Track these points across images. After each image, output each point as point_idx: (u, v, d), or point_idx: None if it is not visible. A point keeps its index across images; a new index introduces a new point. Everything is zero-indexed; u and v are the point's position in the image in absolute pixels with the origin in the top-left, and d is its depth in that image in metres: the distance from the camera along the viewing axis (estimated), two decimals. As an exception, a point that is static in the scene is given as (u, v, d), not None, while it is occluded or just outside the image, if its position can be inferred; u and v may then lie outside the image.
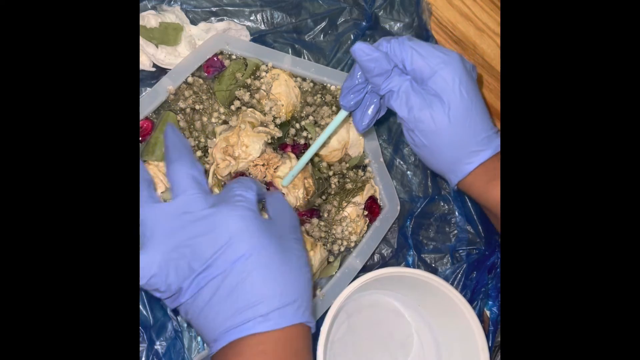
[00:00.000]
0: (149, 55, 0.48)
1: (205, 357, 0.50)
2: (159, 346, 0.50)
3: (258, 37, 0.53)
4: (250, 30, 0.52)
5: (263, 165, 0.48)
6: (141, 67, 0.49)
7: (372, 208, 0.54)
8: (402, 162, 0.59)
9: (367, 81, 0.43)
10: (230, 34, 0.51)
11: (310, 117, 0.52)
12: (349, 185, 0.53)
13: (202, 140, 0.48)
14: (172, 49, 0.49)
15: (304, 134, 0.51)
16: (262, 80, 0.50)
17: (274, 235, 0.38)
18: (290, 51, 0.54)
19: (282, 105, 0.50)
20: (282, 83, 0.50)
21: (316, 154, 0.50)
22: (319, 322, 0.46)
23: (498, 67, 0.60)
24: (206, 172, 0.48)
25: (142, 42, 0.48)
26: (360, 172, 0.54)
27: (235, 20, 0.52)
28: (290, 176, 0.48)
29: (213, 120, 0.49)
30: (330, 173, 0.53)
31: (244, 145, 0.47)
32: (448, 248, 0.60)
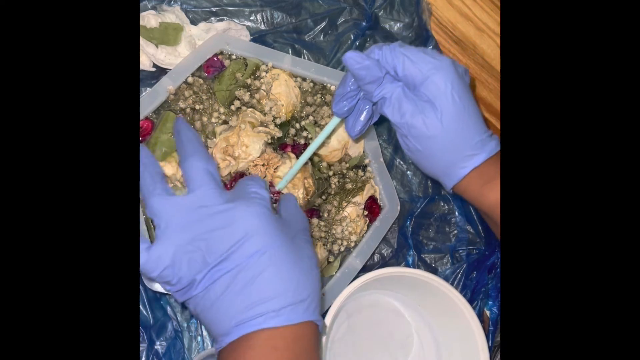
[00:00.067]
0: (149, 55, 0.48)
1: (205, 357, 0.49)
2: (159, 346, 0.50)
3: (258, 37, 0.53)
4: (250, 30, 0.52)
5: (263, 165, 0.48)
6: (141, 67, 0.49)
7: (372, 208, 0.54)
8: (402, 162, 0.59)
9: (360, 88, 0.43)
10: (230, 34, 0.51)
11: (310, 117, 0.52)
12: (349, 185, 0.53)
13: (202, 140, 0.48)
14: (172, 49, 0.49)
15: (304, 134, 0.51)
16: (262, 80, 0.50)
17: (288, 234, 0.38)
18: (290, 51, 0.54)
19: (282, 105, 0.50)
20: (282, 83, 0.50)
21: (316, 154, 0.50)
22: (319, 322, 0.46)
23: (498, 67, 0.60)
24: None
25: (142, 42, 0.48)
26: (360, 172, 0.54)
27: (235, 20, 0.52)
28: (284, 181, 0.48)
29: (213, 120, 0.49)
30: (330, 173, 0.53)
31: (244, 145, 0.47)
32: (448, 248, 0.60)
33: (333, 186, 0.53)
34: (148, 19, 0.48)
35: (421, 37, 0.57)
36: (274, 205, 0.47)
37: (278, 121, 0.50)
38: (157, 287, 0.46)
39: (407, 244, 0.58)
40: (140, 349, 0.49)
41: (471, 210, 0.60)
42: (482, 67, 0.61)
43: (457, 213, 0.60)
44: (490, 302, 0.59)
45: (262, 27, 0.53)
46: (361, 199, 0.53)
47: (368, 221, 0.54)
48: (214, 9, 0.52)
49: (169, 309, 0.51)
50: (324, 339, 0.46)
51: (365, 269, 0.55)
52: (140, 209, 0.45)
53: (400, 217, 0.57)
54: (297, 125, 0.51)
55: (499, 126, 0.62)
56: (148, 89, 0.49)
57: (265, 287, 0.36)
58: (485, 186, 0.44)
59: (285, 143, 0.51)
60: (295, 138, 0.51)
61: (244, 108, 0.49)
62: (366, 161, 0.55)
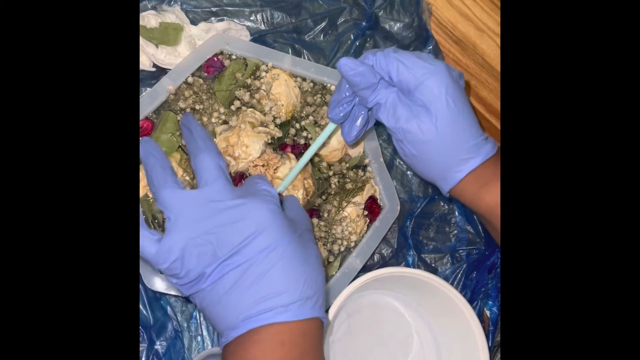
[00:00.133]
0: (149, 55, 0.48)
1: (205, 357, 0.50)
2: (159, 346, 0.50)
3: (258, 37, 0.53)
4: (250, 30, 0.52)
5: (263, 166, 0.48)
6: (141, 67, 0.49)
7: (372, 208, 0.54)
8: (402, 162, 0.59)
9: (355, 94, 0.43)
10: (230, 34, 0.51)
11: (310, 117, 0.52)
12: (349, 185, 0.53)
13: (202, 140, 0.48)
14: (172, 49, 0.49)
15: (304, 134, 0.51)
16: (262, 80, 0.50)
17: (296, 232, 0.39)
18: (290, 51, 0.54)
19: (282, 105, 0.50)
20: (282, 83, 0.50)
21: (316, 154, 0.50)
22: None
23: (498, 67, 0.60)
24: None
25: (142, 42, 0.48)
26: (360, 172, 0.54)
27: (235, 20, 0.52)
28: (282, 186, 0.48)
29: (213, 120, 0.49)
30: (330, 173, 0.53)
31: (244, 145, 0.47)
32: (448, 248, 0.60)
33: (333, 186, 0.53)
34: (148, 19, 0.48)
35: (421, 37, 0.57)
36: None
37: (278, 121, 0.50)
38: (158, 287, 0.46)
39: (407, 244, 0.58)
40: (140, 349, 0.49)
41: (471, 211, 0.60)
42: (482, 67, 0.61)
43: (457, 213, 0.60)
44: (490, 302, 0.59)
45: (262, 27, 0.53)
46: (361, 199, 0.53)
47: (368, 221, 0.54)
48: (214, 9, 0.52)
49: (169, 309, 0.51)
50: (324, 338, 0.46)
51: (365, 269, 0.55)
52: (141, 209, 0.45)
53: (400, 217, 0.57)
54: (297, 125, 0.51)
55: (499, 126, 0.62)
56: (148, 89, 0.49)
57: (275, 282, 0.36)
58: (481, 189, 0.44)
59: (285, 143, 0.51)
60: (295, 138, 0.51)
61: (244, 108, 0.49)
62: (366, 161, 0.55)
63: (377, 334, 0.56)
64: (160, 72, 0.50)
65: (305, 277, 0.37)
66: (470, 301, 0.57)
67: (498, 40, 0.60)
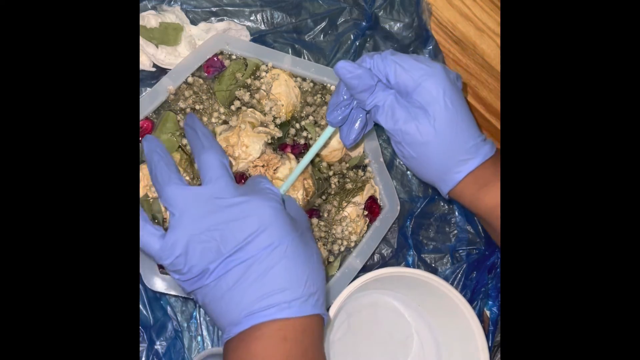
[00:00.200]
0: (149, 55, 0.48)
1: (205, 357, 0.50)
2: (159, 346, 0.50)
3: (258, 37, 0.53)
4: (250, 30, 0.52)
5: (263, 166, 0.48)
6: (141, 67, 0.49)
7: (372, 208, 0.54)
8: (402, 162, 0.59)
9: (353, 97, 0.43)
10: (230, 34, 0.51)
11: (310, 117, 0.52)
12: (349, 185, 0.53)
13: (202, 140, 0.48)
14: (172, 49, 0.49)
15: (304, 134, 0.51)
16: (262, 80, 0.50)
17: (298, 230, 0.39)
18: (290, 51, 0.54)
19: (282, 105, 0.50)
20: (282, 83, 0.50)
21: (316, 155, 0.50)
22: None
23: (498, 67, 0.60)
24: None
25: (142, 42, 0.48)
26: (360, 172, 0.54)
27: (235, 20, 0.52)
28: (282, 189, 0.48)
29: (213, 120, 0.49)
30: (330, 173, 0.53)
31: (244, 145, 0.47)
32: (448, 248, 0.60)
33: (333, 186, 0.53)
34: (148, 19, 0.48)
35: (421, 37, 0.57)
36: None
37: (278, 121, 0.50)
38: (158, 287, 0.46)
39: (407, 244, 0.58)
40: (140, 349, 0.49)
41: (471, 210, 0.60)
42: (482, 67, 0.61)
43: (457, 213, 0.60)
44: (490, 302, 0.59)
45: (262, 27, 0.53)
46: (361, 199, 0.53)
47: (368, 221, 0.54)
48: (214, 9, 0.52)
49: (169, 309, 0.51)
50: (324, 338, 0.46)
51: (365, 269, 0.55)
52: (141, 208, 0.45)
53: (400, 217, 0.57)
54: (297, 125, 0.51)
55: (499, 126, 0.62)
56: (148, 89, 0.49)
57: (278, 279, 0.37)
58: (480, 190, 0.44)
59: (285, 143, 0.51)
60: (295, 138, 0.51)
61: (244, 108, 0.49)
62: (366, 161, 0.55)
63: (377, 334, 0.56)
64: (160, 72, 0.50)
65: (308, 274, 0.38)
66: (470, 301, 0.57)
67: (498, 40, 0.60)
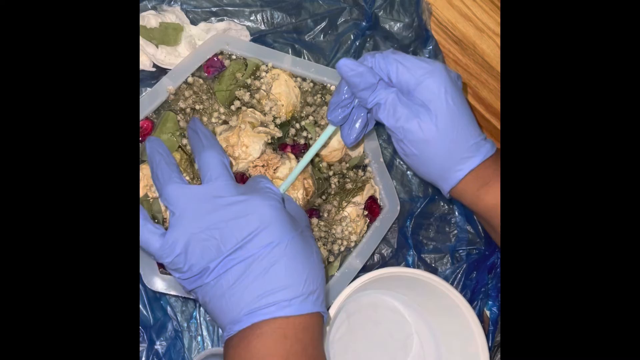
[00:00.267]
0: (149, 55, 0.48)
1: (205, 357, 0.50)
2: (159, 346, 0.50)
3: (258, 37, 0.53)
4: (250, 30, 0.52)
5: (263, 166, 0.48)
6: (141, 67, 0.49)
7: (372, 208, 0.54)
8: (402, 162, 0.59)
9: (354, 96, 0.43)
10: (230, 34, 0.51)
11: (310, 117, 0.52)
12: (349, 185, 0.53)
13: (202, 140, 0.48)
14: (172, 49, 0.49)
15: (304, 134, 0.51)
16: (262, 80, 0.50)
17: (298, 229, 0.40)
18: (290, 51, 0.54)
19: (282, 105, 0.50)
20: (282, 83, 0.50)
21: (316, 154, 0.50)
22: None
23: (498, 67, 0.60)
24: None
25: (142, 42, 0.48)
26: (360, 172, 0.54)
27: (236, 20, 0.52)
28: (282, 188, 0.48)
29: (213, 120, 0.49)
30: (330, 173, 0.53)
31: (244, 145, 0.47)
32: (448, 248, 0.60)
33: (333, 186, 0.53)
34: (148, 19, 0.48)
35: (421, 37, 0.57)
36: None
37: (278, 121, 0.50)
38: (158, 287, 0.46)
39: (407, 244, 0.58)
40: (140, 349, 0.49)
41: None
42: (482, 67, 0.61)
43: (457, 213, 0.60)
44: (490, 302, 0.59)
45: (262, 27, 0.53)
46: (361, 199, 0.53)
47: (368, 221, 0.54)
48: (214, 9, 0.52)
49: (169, 309, 0.51)
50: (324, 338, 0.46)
51: (365, 269, 0.55)
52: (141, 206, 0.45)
53: (400, 217, 0.57)
54: (297, 125, 0.51)
55: (499, 126, 0.62)
56: (148, 89, 0.49)
57: (278, 277, 0.37)
58: (481, 189, 0.44)
59: (285, 143, 0.51)
60: (295, 138, 0.51)
61: (244, 108, 0.49)
62: (366, 161, 0.55)
63: (377, 334, 0.56)
64: (160, 72, 0.50)
65: (308, 273, 0.38)
66: (470, 301, 0.57)
67: (498, 40, 0.60)
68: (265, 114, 0.50)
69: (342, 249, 0.52)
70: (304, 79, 0.52)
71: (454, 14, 0.59)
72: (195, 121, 0.45)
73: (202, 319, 0.52)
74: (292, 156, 0.50)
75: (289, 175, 0.47)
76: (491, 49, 0.60)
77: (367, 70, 0.41)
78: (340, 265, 0.52)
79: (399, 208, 0.55)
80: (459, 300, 0.50)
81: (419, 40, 0.57)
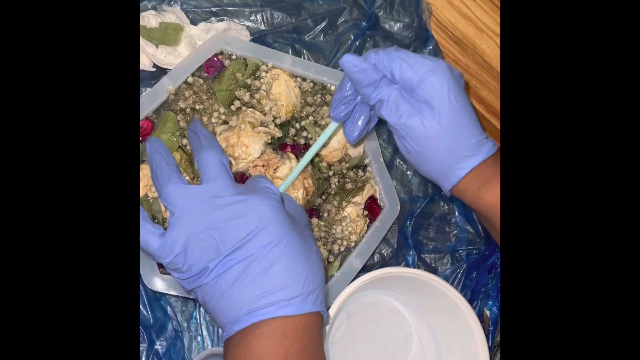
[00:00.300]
0: (149, 55, 0.48)
1: (205, 357, 0.50)
2: (159, 346, 0.50)
3: (258, 37, 0.53)
4: (250, 30, 0.52)
5: (263, 166, 0.48)
6: (141, 67, 0.49)
7: (372, 208, 0.54)
8: (402, 162, 0.59)
9: (357, 92, 0.43)
10: (231, 34, 0.51)
11: (310, 117, 0.52)
12: (349, 185, 0.53)
13: (202, 140, 0.48)
14: (172, 49, 0.49)
15: (304, 134, 0.51)
16: (262, 80, 0.50)
17: (297, 228, 0.40)
18: (290, 51, 0.54)
19: (282, 105, 0.50)
20: (282, 83, 0.50)
21: (316, 154, 0.50)
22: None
23: (498, 67, 0.60)
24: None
25: (142, 42, 0.48)
26: (360, 172, 0.54)
27: (236, 20, 0.52)
28: (283, 186, 0.48)
29: (213, 120, 0.49)
30: (330, 173, 0.53)
31: (244, 145, 0.47)
32: (448, 248, 0.60)
33: (333, 186, 0.53)
34: (148, 19, 0.48)
35: (421, 37, 0.57)
36: None
37: (278, 121, 0.50)
38: (158, 287, 0.46)
39: (407, 244, 0.58)
40: (140, 349, 0.49)
41: (471, 210, 0.60)
42: (482, 67, 0.61)
43: (457, 213, 0.60)
44: (490, 302, 0.59)
45: (262, 27, 0.53)
46: (361, 199, 0.53)
47: (368, 221, 0.54)
48: (214, 9, 0.52)
49: (169, 309, 0.51)
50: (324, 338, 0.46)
51: (365, 269, 0.55)
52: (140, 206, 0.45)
53: (400, 217, 0.57)
54: (297, 125, 0.51)
55: (499, 126, 0.62)
56: (148, 89, 0.49)
57: (277, 277, 0.37)
58: (482, 188, 0.44)
59: (285, 143, 0.51)
60: (295, 138, 0.51)
61: (244, 108, 0.49)
62: (366, 161, 0.55)
63: (377, 334, 0.56)
64: (160, 72, 0.50)
65: (307, 272, 0.38)
66: (470, 301, 0.57)
67: (498, 40, 0.60)
68: (265, 114, 0.50)
69: (342, 249, 0.52)
70: (304, 79, 0.52)
71: (454, 14, 0.59)
72: (196, 122, 0.45)
73: (202, 319, 0.52)
74: (292, 156, 0.50)
75: (289, 175, 0.47)
76: (491, 49, 0.60)
77: (371, 67, 0.41)
78: (340, 265, 0.52)
79: (399, 208, 0.55)
80: (459, 300, 0.50)
81: (419, 40, 0.57)
